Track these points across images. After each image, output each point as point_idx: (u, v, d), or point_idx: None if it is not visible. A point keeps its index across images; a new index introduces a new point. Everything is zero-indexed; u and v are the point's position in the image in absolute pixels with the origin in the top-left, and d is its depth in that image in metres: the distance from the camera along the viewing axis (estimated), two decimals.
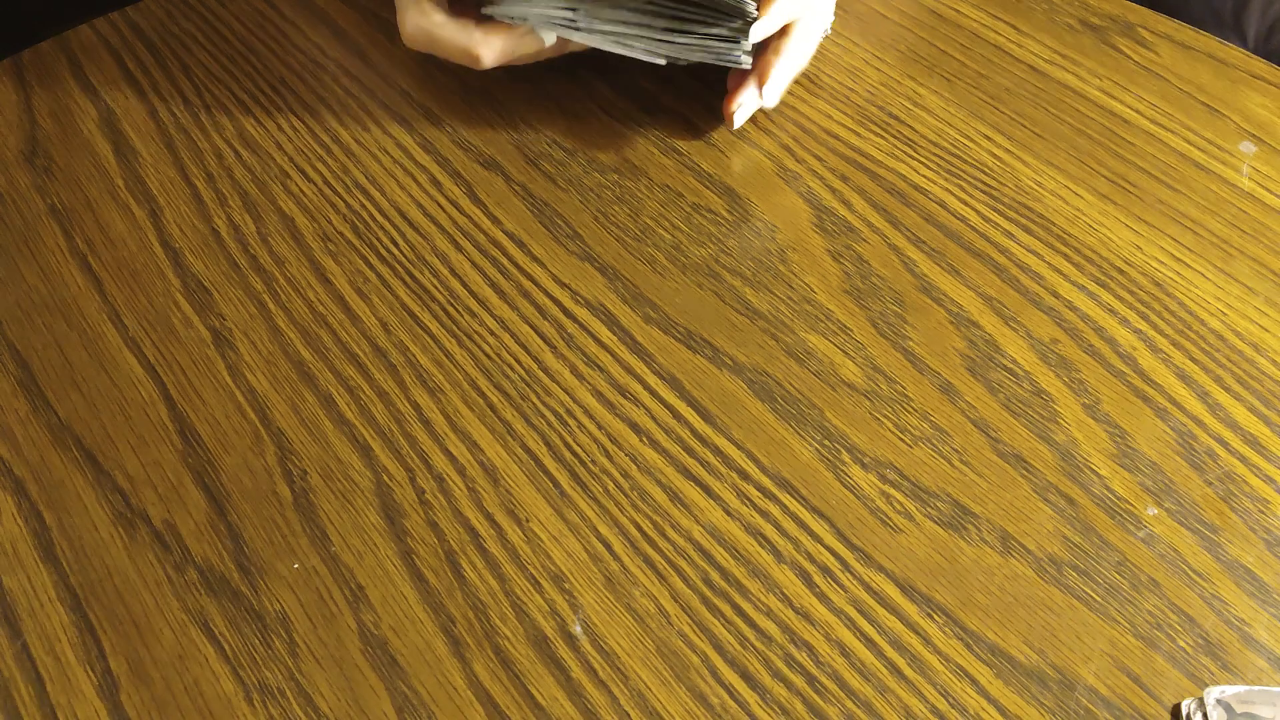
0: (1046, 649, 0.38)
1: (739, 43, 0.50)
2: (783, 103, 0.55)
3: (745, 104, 0.52)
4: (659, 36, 0.51)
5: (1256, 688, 0.36)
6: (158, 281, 0.49)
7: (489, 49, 0.51)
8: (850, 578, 0.39)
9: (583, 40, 0.51)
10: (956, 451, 0.42)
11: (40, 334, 0.47)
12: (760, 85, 0.51)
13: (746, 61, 0.50)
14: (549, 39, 0.52)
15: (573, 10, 0.51)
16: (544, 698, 0.37)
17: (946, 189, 0.51)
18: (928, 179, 0.52)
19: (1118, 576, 0.39)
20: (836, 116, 0.55)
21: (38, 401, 0.45)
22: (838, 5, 0.60)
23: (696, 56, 0.51)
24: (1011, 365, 0.45)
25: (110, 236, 0.51)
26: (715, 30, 0.50)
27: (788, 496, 0.41)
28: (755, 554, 0.40)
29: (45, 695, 0.37)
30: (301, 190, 0.52)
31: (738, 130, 0.54)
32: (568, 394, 0.45)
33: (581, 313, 0.47)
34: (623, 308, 0.47)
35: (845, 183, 0.52)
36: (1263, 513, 0.41)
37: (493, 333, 0.47)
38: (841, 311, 0.47)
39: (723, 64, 0.51)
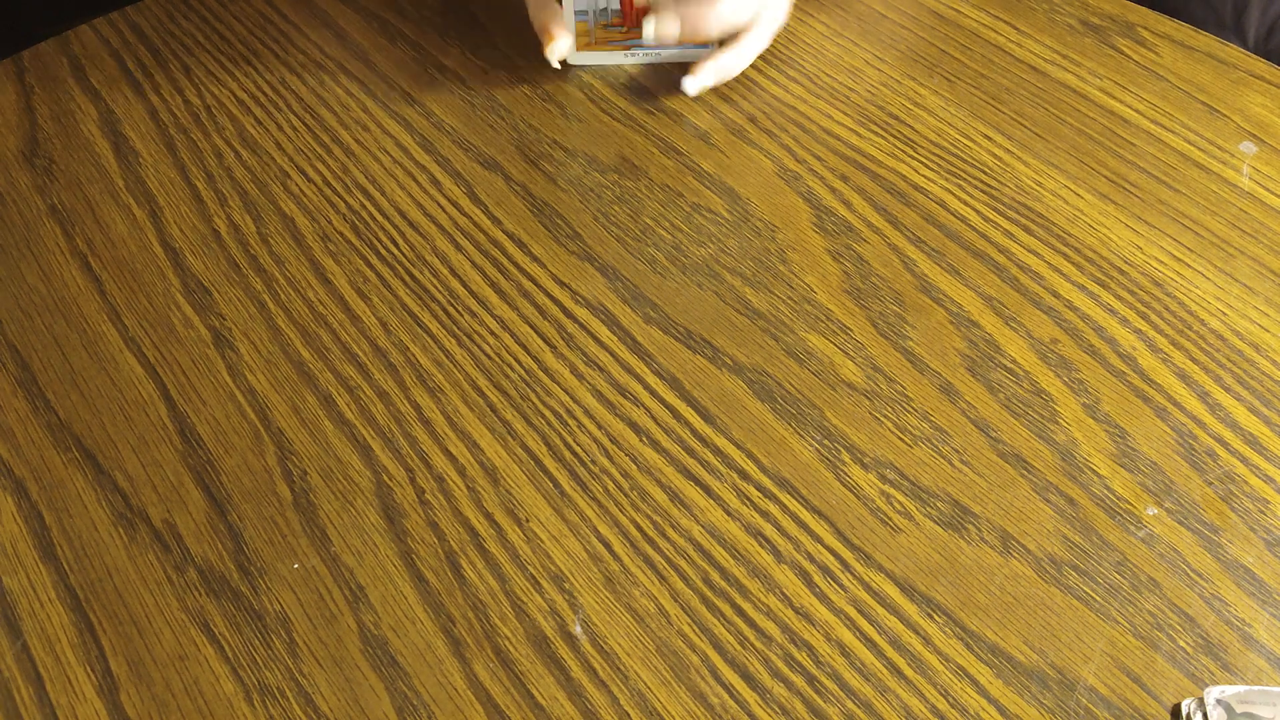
0: (1046, 649, 0.38)
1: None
2: (782, 102, 0.55)
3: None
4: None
5: (1256, 688, 0.36)
6: (158, 282, 0.49)
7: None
8: (850, 578, 0.39)
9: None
10: (956, 451, 0.42)
11: (40, 334, 0.47)
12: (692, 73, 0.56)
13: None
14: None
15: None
16: (544, 698, 0.37)
17: (946, 189, 0.51)
18: (928, 179, 0.52)
19: (1118, 576, 0.39)
20: (837, 116, 0.55)
21: (38, 401, 0.45)
22: (838, 5, 0.60)
23: None
24: (1011, 365, 0.45)
25: (110, 237, 0.51)
26: None
27: (788, 496, 0.41)
28: (755, 554, 0.40)
29: (45, 695, 0.38)
30: (301, 190, 0.52)
31: (738, 130, 0.54)
32: (568, 394, 0.45)
33: (581, 313, 0.47)
34: (623, 308, 0.47)
35: (845, 183, 0.52)
36: (1263, 513, 0.41)
37: (493, 333, 0.47)
38: (841, 311, 0.47)
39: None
